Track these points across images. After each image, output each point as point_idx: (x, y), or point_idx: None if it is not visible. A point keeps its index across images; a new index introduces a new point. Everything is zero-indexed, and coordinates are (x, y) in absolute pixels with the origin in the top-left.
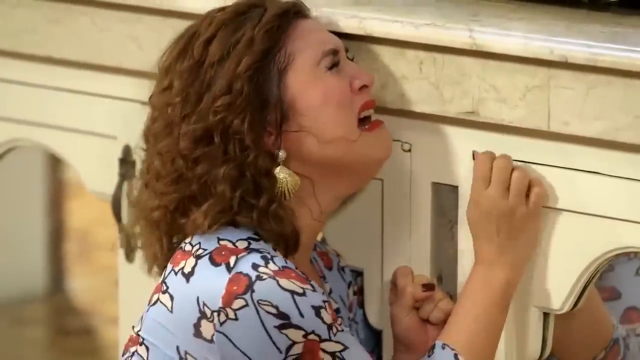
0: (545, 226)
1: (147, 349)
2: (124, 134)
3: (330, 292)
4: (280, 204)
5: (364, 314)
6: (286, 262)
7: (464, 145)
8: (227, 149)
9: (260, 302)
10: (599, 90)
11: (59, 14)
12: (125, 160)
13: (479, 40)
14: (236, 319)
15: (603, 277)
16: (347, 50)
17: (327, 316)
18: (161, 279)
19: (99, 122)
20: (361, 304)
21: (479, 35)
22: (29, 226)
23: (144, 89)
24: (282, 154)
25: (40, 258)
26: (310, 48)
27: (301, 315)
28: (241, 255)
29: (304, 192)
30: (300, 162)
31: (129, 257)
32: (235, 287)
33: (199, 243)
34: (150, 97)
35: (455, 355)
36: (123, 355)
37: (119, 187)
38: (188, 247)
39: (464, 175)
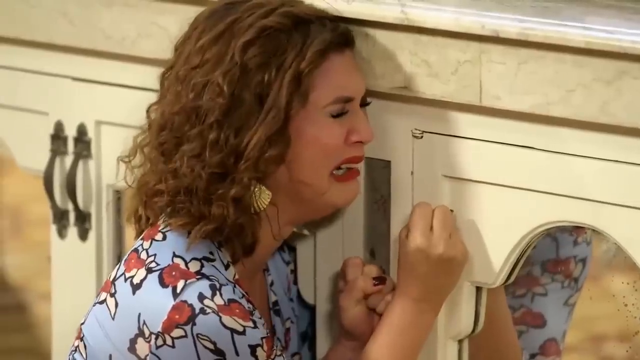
0: (478, 201)
1: (85, 348)
2: (55, 110)
3: (272, 283)
4: (245, 212)
5: (298, 290)
6: (234, 292)
7: (396, 120)
8: (221, 141)
9: (199, 335)
10: (531, 65)
11: None
12: (57, 136)
13: (410, 15)
14: (173, 346)
15: (534, 300)
16: (366, 98)
17: (261, 354)
18: (112, 276)
19: (30, 98)
20: (296, 281)
21: (410, 10)
22: None
23: (75, 64)
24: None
25: None
26: (327, 89)
27: (237, 353)
28: (190, 281)
29: (267, 211)
30: (269, 184)
31: (61, 233)
32: (177, 316)
33: (155, 255)
34: (164, 77)
35: None
36: (72, 346)
37: (51, 163)
38: (143, 255)
39: (397, 150)
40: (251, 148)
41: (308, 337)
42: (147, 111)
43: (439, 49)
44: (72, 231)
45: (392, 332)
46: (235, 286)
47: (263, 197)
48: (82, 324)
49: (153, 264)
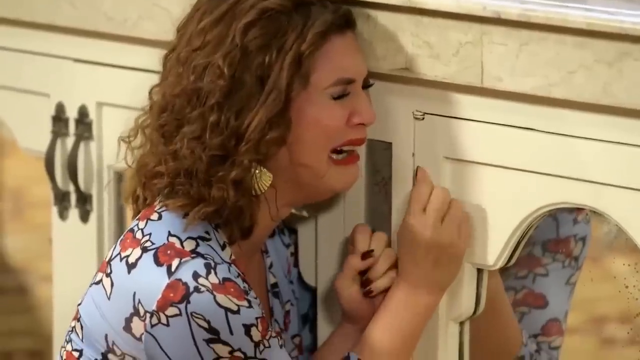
0: (479, 182)
1: (82, 328)
2: (56, 91)
3: (271, 265)
4: (245, 195)
5: (299, 273)
6: (229, 271)
7: (397, 101)
8: (222, 123)
9: (193, 314)
10: (532, 47)
11: None
12: (58, 118)
13: None
14: (167, 325)
15: (536, 281)
16: (368, 79)
17: (256, 334)
18: (108, 256)
19: (31, 80)
20: (296, 263)
21: None
22: None
23: (76, 46)
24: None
25: None
26: (328, 71)
27: (231, 332)
28: (185, 259)
29: (266, 194)
30: (269, 166)
31: (63, 214)
32: (172, 294)
33: (150, 234)
34: (166, 59)
35: None
36: (69, 326)
37: (52, 145)
38: (139, 235)
39: (398, 132)
40: (252, 130)
41: (309, 319)
42: (150, 93)
43: (440, 31)
44: (73, 213)
45: (390, 315)
46: (230, 265)
47: (264, 179)
48: (79, 304)
49: (148, 243)
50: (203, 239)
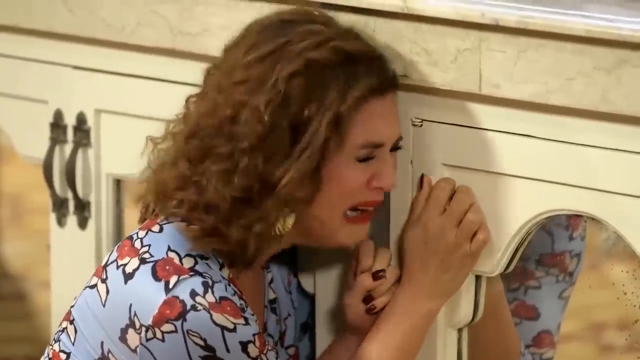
0: (478, 189)
1: (75, 332)
2: (55, 98)
3: (272, 281)
4: (264, 241)
5: (298, 282)
6: (226, 290)
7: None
8: (251, 168)
9: (189, 332)
10: (530, 54)
11: None
12: (57, 125)
13: (410, 3)
14: (163, 340)
15: (527, 293)
16: (399, 140)
17: (253, 350)
18: (104, 262)
19: (29, 87)
20: (295, 274)
21: None
22: None
23: (75, 53)
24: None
25: None
26: (360, 133)
27: (227, 350)
28: (183, 277)
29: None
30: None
31: (61, 221)
32: (168, 311)
33: (149, 246)
34: (208, 74)
35: None
36: (59, 326)
37: (50, 152)
38: (137, 244)
39: None
40: (282, 185)
41: (309, 328)
42: (186, 102)
43: (438, 38)
44: (72, 219)
45: (391, 323)
46: (228, 284)
47: (288, 221)
48: (72, 306)
49: (147, 255)
50: (202, 257)
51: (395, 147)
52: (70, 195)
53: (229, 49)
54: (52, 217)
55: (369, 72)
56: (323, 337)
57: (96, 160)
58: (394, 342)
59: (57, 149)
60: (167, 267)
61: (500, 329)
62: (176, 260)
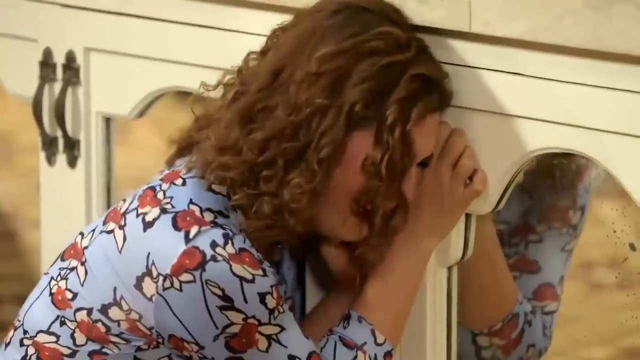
0: (469, 128)
1: (86, 273)
2: (44, 36)
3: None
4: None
5: None
6: (244, 242)
7: None
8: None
9: (208, 281)
10: None
11: None
12: (46, 63)
13: None
14: (180, 290)
15: (528, 247)
16: (430, 158)
17: (271, 301)
18: (123, 208)
19: (19, 25)
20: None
21: None
22: None
23: None
24: None
25: None
26: (420, 149)
27: (245, 300)
28: (204, 228)
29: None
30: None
31: (50, 160)
32: (187, 261)
33: (171, 197)
34: (274, 34)
35: (372, 331)
36: (62, 260)
37: (40, 90)
38: (160, 195)
39: None
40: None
41: (303, 282)
42: (246, 57)
43: None
44: (61, 158)
45: (390, 265)
46: (246, 237)
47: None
48: (86, 247)
49: (168, 206)
50: (222, 214)
51: (422, 163)
52: (59, 133)
53: (300, 14)
54: (42, 155)
55: (435, 92)
56: (313, 294)
57: (86, 99)
58: (391, 282)
59: (46, 87)
60: (188, 218)
61: (493, 275)
62: (197, 212)
